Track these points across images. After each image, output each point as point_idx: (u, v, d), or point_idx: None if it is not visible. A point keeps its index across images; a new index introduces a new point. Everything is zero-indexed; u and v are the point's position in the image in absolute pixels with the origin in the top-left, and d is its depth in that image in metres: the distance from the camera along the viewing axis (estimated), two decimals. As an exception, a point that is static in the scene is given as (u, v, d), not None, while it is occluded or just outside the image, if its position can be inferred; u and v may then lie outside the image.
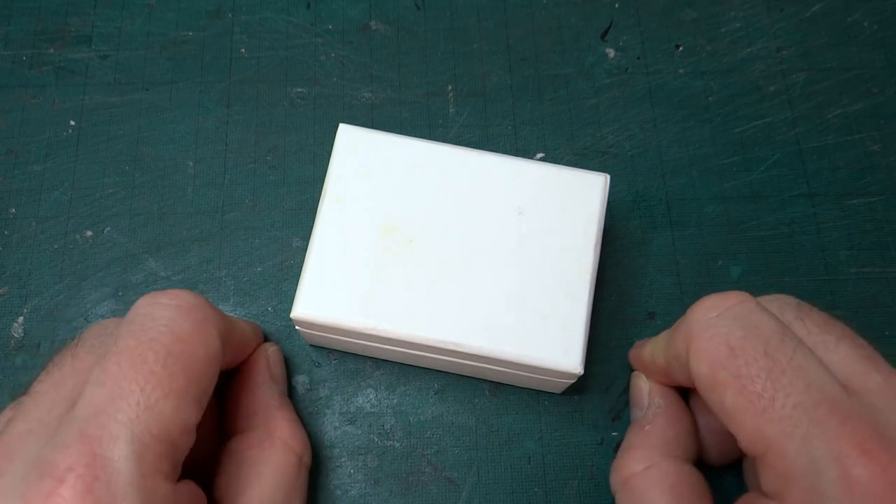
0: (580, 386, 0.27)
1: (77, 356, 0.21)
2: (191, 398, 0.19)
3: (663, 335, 0.23)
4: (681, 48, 0.33)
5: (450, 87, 0.32)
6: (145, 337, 0.19)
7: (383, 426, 0.27)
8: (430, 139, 0.27)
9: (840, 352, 0.20)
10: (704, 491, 0.23)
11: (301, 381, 0.27)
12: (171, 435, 0.19)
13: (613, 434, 0.27)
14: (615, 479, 0.24)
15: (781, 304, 0.22)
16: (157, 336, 0.19)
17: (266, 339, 0.28)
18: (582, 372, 0.24)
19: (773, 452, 0.18)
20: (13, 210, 0.30)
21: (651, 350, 0.24)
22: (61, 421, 0.19)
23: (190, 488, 0.20)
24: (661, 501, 0.22)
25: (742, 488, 0.24)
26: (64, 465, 0.17)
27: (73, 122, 0.31)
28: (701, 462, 0.25)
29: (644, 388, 0.25)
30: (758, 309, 0.20)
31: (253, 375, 0.25)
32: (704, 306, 0.21)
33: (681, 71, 0.32)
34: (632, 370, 0.27)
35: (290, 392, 0.27)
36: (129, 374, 0.19)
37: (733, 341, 0.19)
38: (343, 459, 0.26)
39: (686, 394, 0.25)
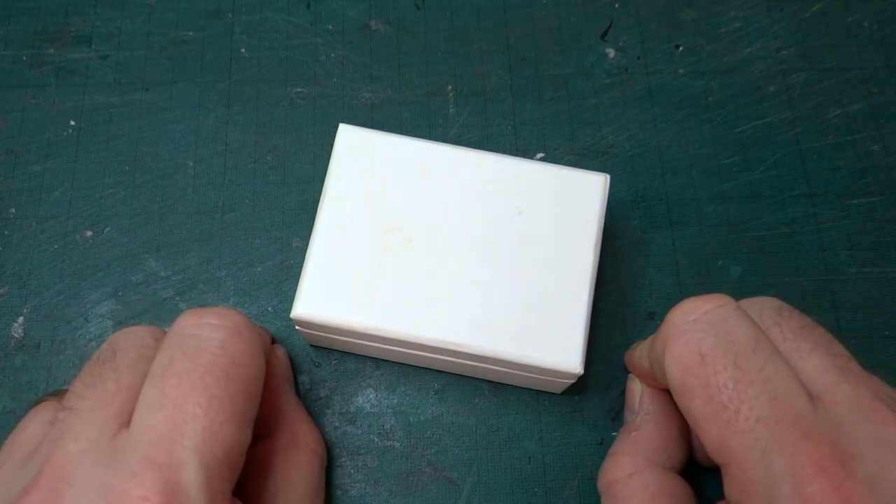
0: (580, 386, 0.27)
1: (119, 370, 0.20)
2: (247, 420, 0.20)
3: (651, 337, 0.23)
4: (681, 48, 0.33)
5: (450, 87, 0.32)
6: (202, 360, 0.19)
7: (383, 426, 0.27)
8: (430, 139, 0.27)
9: (813, 360, 0.20)
10: (686, 500, 0.23)
11: (301, 381, 0.27)
12: (233, 458, 0.19)
13: (613, 434, 0.27)
14: (601, 483, 0.24)
15: (762, 308, 0.22)
16: (214, 359, 0.19)
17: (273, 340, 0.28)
18: (582, 372, 0.24)
19: (735, 464, 0.18)
20: (13, 210, 0.30)
21: (640, 352, 0.24)
22: (118, 443, 0.18)
23: None
24: None
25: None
26: (137, 493, 0.17)
27: (73, 122, 0.31)
28: (693, 464, 0.25)
29: (636, 392, 0.25)
30: (734, 314, 0.20)
31: (272, 380, 0.25)
32: (682, 310, 0.21)
33: (681, 71, 0.32)
34: (628, 374, 0.27)
35: (290, 392, 0.27)
36: (191, 397, 0.18)
37: (705, 348, 0.19)
38: (343, 459, 0.26)
39: None
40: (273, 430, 0.24)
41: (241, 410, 0.19)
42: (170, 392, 0.19)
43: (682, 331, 0.20)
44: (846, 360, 0.20)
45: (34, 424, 0.21)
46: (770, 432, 0.18)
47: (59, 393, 0.23)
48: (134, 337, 0.22)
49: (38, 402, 0.23)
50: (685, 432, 0.24)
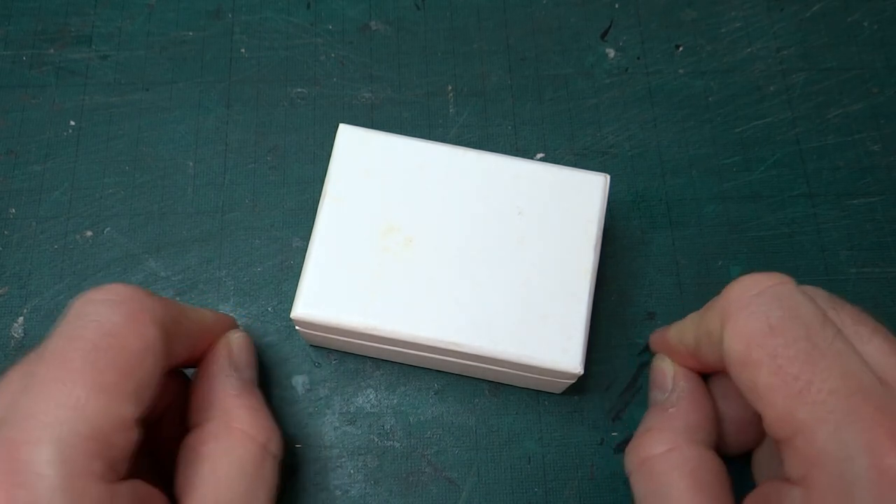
0: (580, 386, 0.27)
1: (16, 365, 0.21)
2: (124, 392, 0.19)
3: (692, 316, 0.23)
4: (681, 48, 0.33)
5: (450, 87, 0.32)
6: (74, 335, 0.19)
7: (383, 426, 0.27)
8: (430, 139, 0.27)
9: (874, 344, 0.20)
10: (725, 479, 0.22)
11: (301, 381, 0.27)
12: (104, 432, 0.18)
13: (613, 434, 0.27)
14: (631, 460, 0.23)
15: (814, 294, 0.22)
16: (83, 333, 0.19)
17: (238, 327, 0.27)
18: (582, 372, 0.24)
19: (803, 436, 0.18)
20: (13, 210, 0.30)
21: (678, 330, 0.24)
22: None
23: (138, 487, 0.19)
24: (680, 485, 0.22)
25: (745, 480, 0.24)
26: None
27: (73, 122, 0.31)
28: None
29: (668, 371, 0.24)
30: (798, 291, 0.20)
31: (209, 365, 0.24)
32: (744, 284, 0.21)
33: (681, 71, 0.32)
34: (654, 356, 0.26)
35: (290, 392, 0.27)
36: (56, 374, 0.18)
37: (773, 320, 0.19)
38: (343, 459, 0.26)
39: (706, 378, 0.25)
40: (208, 417, 0.23)
41: (111, 383, 0.18)
42: (38, 372, 0.18)
43: (746, 303, 0.20)
44: None
45: None
46: (844, 405, 0.18)
47: None
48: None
49: None
50: (717, 415, 0.24)
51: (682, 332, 0.24)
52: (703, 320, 0.22)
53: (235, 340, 0.25)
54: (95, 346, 0.19)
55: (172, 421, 0.24)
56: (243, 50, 0.32)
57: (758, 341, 0.19)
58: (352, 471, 0.26)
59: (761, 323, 0.19)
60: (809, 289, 0.22)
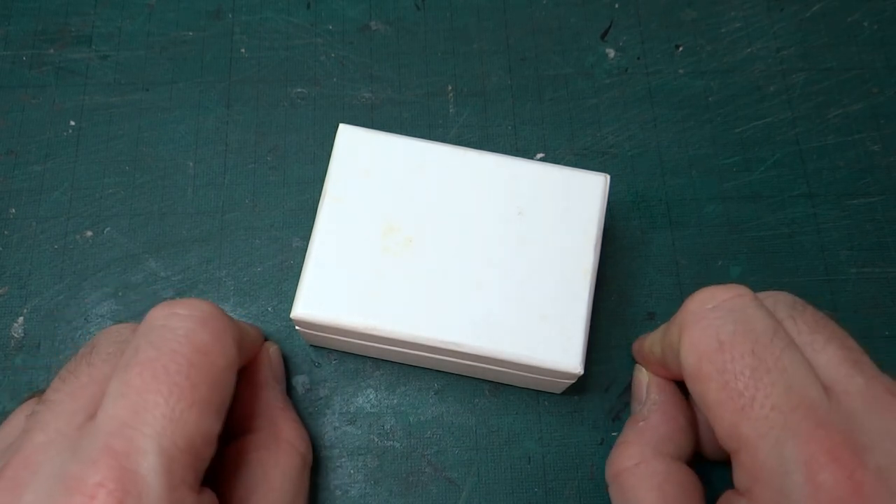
0: (580, 386, 0.27)
1: (93, 364, 0.21)
2: (213, 408, 0.19)
3: (663, 326, 0.24)
4: (681, 48, 0.33)
5: (450, 87, 0.32)
6: (167, 348, 0.19)
7: (383, 426, 0.27)
8: (430, 139, 0.27)
9: (827, 353, 0.20)
10: (694, 490, 0.23)
11: (301, 381, 0.27)
12: (196, 446, 0.19)
13: (613, 434, 0.27)
14: (608, 473, 0.24)
15: (776, 301, 0.22)
16: (177, 347, 0.19)
17: (266, 338, 0.28)
18: (582, 372, 0.24)
19: (746, 450, 0.19)
20: (13, 210, 0.30)
21: (651, 341, 0.24)
22: (82, 432, 0.18)
23: (210, 497, 0.20)
24: (647, 498, 0.22)
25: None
26: (93, 480, 0.17)
27: (73, 122, 0.31)
28: (699, 456, 0.25)
29: (643, 382, 0.25)
30: (753, 304, 0.20)
31: (257, 376, 0.25)
32: (701, 297, 0.21)
33: (681, 71, 0.32)
34: (635, 365, 0.27)
35: (290, 392, 0.27)
36: (152, 385, 0.18)
37: (723, 335, 0.20)
38: (343, 459, 0.26)
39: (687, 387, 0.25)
40: (254, 426, 0.24)
41: (205, 398, 0.19)
42: (132, 381, 0.19)
43: (701, 317, 0.20)
44: (859, 353, 0.20)
45: (15, 420, 0.22)
46: (785, 420, 0.18)
47: (44, 391, 0.24)
48: (114, 333, 0.22)
49: (24, 399, 0.23)
50: (692, 423, 0.24)
51: (653, 343, 0.24)
52: (666, 332, 0.22)
53: (274, 353, 0.26)
54: (191, 361, 0.19)
55: None
56: (243, 50, 0.32)
57: (708, 356, 0.20)
58: (352, 471, 0.26)
59: (712, 338, 0.20)
60: (773, 294, 0.22)
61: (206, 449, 0.19)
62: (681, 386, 0.25)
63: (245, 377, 0.25)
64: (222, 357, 0.20)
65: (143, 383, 0.19)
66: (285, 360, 0.27)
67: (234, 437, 0.24)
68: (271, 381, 0.25)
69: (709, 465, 0.25)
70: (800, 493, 0.17)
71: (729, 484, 0.21)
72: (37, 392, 0.24)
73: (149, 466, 0.17)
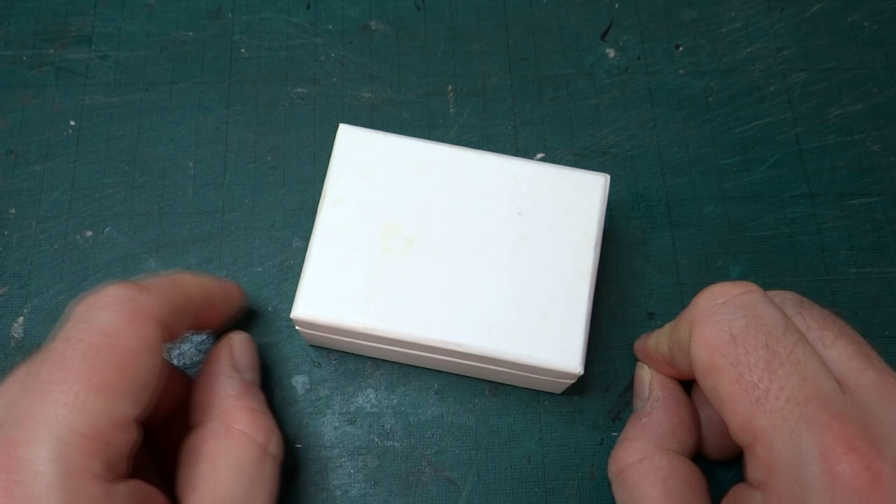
0: (580, 386, 0.27)
1: (17, 368, 0.21)
2: (123, 392, 0.19)
3: (669, 324, 0.24)
4: (681, 48, 0.33)
5: (450, 87, 0.32)
6: (73, 337, 0.19)
7: (383, 426, 0.27)
8: (430, 139, 0.27)
9: (837, 348, 0.20)
10: (698, 484, 0.23)
11: (301, 381, 0.27)
12: (102, 431, 0.18)
13: (613, 434, 0.27)
14: (611, 469, 0.24)
15: (783, 299, 0.22)
16: (82, 335, 0.19)
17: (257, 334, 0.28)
18: (582, 372, 0.24)
19: (761, 443, 0.19)
20: (13, 210, 0.30)
21: (656, 338, 0.24)
22: None
23: (136, 487, 0.19)
24: (651, 493, 0.22)
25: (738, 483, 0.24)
26: None
27: (73, 122, 0.31)
28: (701, 457, 0.25)
29: (646, 379, 0.25)
30: (763, 300, 0.20)
31: (210, 365, 0.24)
32: (711, 293, 0.21)
33: (681, 71, 0.32)
34: (636, 362, 0.27)
35: (290, 392, 0.27)
36: (55, 374, 0.18)
37: (736, 329, 0.20)
38: (343, 459, 0.26)
39: (689, 386, 0.25)
40: (208, 418, 0.23)
41: (111, 382, 0.19)
42: (38, 373, 0.19)
43: (712, 312, 0.20)
44: (868, 349, 0.21)
45: None
46: (800, 412, 0.18)
47: None
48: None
49: None
50: (695, 419, 0.24)
51: (659, 340, 0.24)
52: (674, 329, 0.23)
53: (237, 342, 0.25)
54: (92, 346, 0.19)
55: (179, 424, 0.24)
56: (243, 50, 0.32)
57: (720, 350, 0.20)
58: (352, 471, 0.26)
59: (724, 332, 0.20)
60: (779, 293, 0.23)
61: (119, 434, 0.19)
62: (683, 384, 0.25)
63: (201, 368, 0.25)
64: (134, 339, 0.20)
65: (47, 373, 0.18)
66: (285, 361, 0.27)
67: (187, 430, 0.23)
68: (227, 369, 0.24)
69: (711, 464, 0.25)
70: (817, 484, 0.17)
71: (732, 479, 0.21)
72: None
73: (41, 454, 0.17)
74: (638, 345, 0.27)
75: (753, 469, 0.19)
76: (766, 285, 0.29)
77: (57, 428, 0.18)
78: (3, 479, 0.17)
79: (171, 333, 0.21)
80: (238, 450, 0.22)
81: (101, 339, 0.19)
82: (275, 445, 0.23)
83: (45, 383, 0.18)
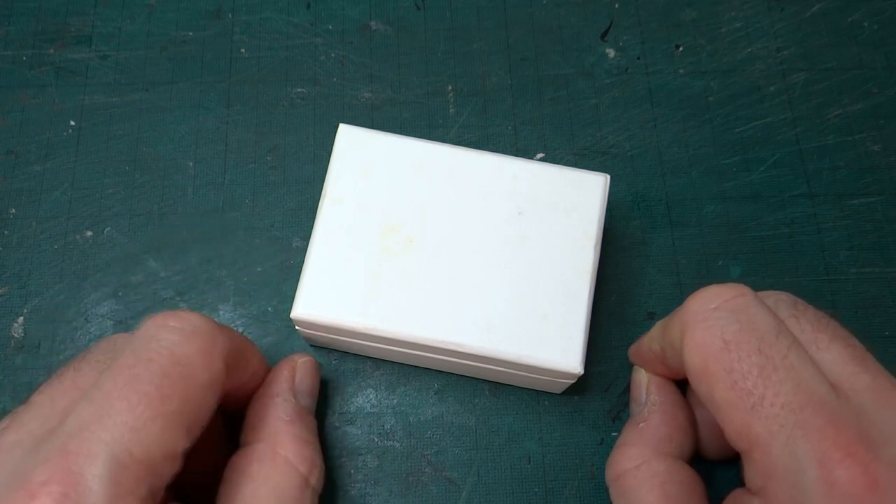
0: (580, 386, 0.27)
1: (79, 370, 0.21)
2: (181, 424, 0.19)
3: (660, 323, 0.24)
4: (681, 48, 0.33)
5: (450, 87, 0.32)
6: (145, 356, 0.19)
7: (383, 426, 0.27)
8: (430, 139, 0.27)
9: (832, 351, 0.20)
10: (696, 489, 0.23)
11: (301, 381, 0.27)
12: (154, 459, 0.18)
13: (613, 434, 0.27)
14: (608, 475, 0.24)
15: (776, 301, 0.22)
16: (155, 357, 0.19)
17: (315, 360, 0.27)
18: (582, 372, 0.24)
19: (758, 449, 0.19)
20: (13, 210, 0.30)
21: (648, 339, 0.24)
22: (49, 434, 0.18)
23: None
24: (649, 499, 0.22)
25: (738, 483, 0.24)
26: (39, 479, 0.17)
27: (73, 122, 0.31)
28: (699, 457, 0.25)
29: (642, 383, 0.25)
30: (755, 303, 0.20)
31: (269, 385, 0.24)
32: (702, 297, 0.21)
33: (681, 71, 0.32)
34: (632, 367, 0.27)
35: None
36: (122, 391, 0.18)
37: (728, 335, 0.19)
38: (343, 459, 0.26)
39: (685, 387, 0.25)
40: (255, 438, 0.23)
41: (174, 412, 0.19)
42: (104, 385, 0.18)
43: (703, 317, 0.20)
44: (863, 351, 0.20)
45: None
46: (795, 418, 0.18)
47: None
48: (109, 342, 0.22)
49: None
50: (692, 422, 0.24)
51: (651, 341, 0.24)
52: (666, 330, 0.22)
53: (301, 364, 0.25)
54: (164, 371, 0.19)
55: (202, 453, 0.24)
56: (243, 50, 0.32)
57: (713, 356, 0.20)
58: (352, 471, 0.26)
59: (716, 338, 0.20)
60: (773, 294, 0.22)
61: (166, 465, 0.19)
62: (679, 384, 0.25)
63: (261, 386, 0.24)
64: (204, 372, 0.20)
65: (114, 388, 0.18)
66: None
67: (234, 449, 0.23)
68: (284, 391, 0.24)
69: (710, 464, 0.25)
70: (814, 489, 0.17)
71: (730, 483, 0.21)
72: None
73: (96, 472, 0.17)
74: (632, 349, 0.26)
75: (752, 475, 0.19)
76: (766, 285, 0.29)
77: (115, 448, 0.18)
78: (55, 492, 0.17)
79: (229, 380, 0.21)
80: (280, 477, 0.22)
81: (174, 367, 0.19)
82: (316, 478, 0.23)
83: (111, 398, 0.18)
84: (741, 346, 0.19)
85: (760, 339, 0.19)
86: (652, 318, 0.28)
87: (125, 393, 0.18)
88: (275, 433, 0.23)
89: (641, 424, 0.24)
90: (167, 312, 0.20)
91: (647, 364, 0.25)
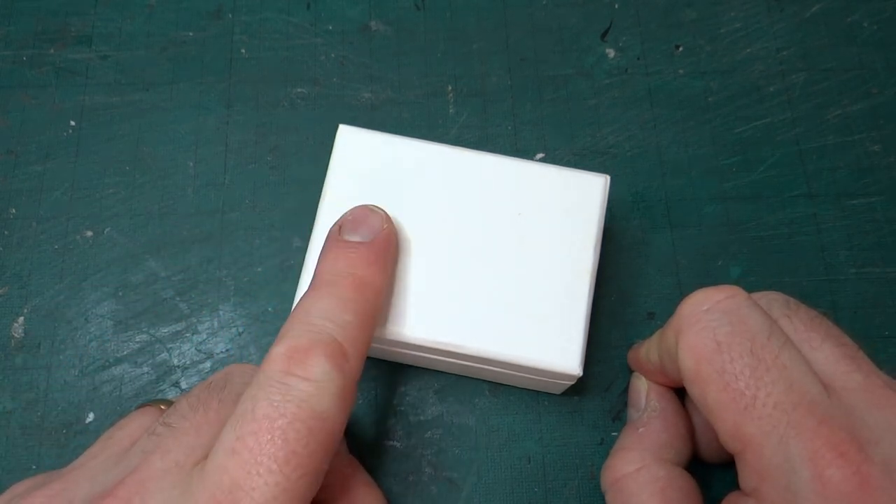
0: (580, 386, 0.27)
1: (223, 402, 0.20)
2: (321, 476, 0.19)
3: (658, 332, 0.24)
4: (681, 48, 0.33)
5: (450, 88, 0.32)
6: (285, 411, 0.18)
7: (383, 426, 0.27)
8: (430, 139, 0.27)
9: (824, 350, 0.20)
10: (695, 495, 0.23)
11: (301, 381, 0.27)
12: None
13: (613, 434, 0.27)
14: (606, 479, 0.24)
15: (769, 301, 0.22)
16: (297, 412, 0.18)
17: None
18: (581, 374, 0.24)
19: (751, 450, 0.19)
20: (13, 210, 0.30)
21: (646, 347, 0.24)
22: (195, 473, 0.18)
23: None
24: (650, 503, 0.22)
25: (734, 486, 0.24)
26: None
27: (73, 122, 0.31)
28: (697, 460, 0.25)
29: (641, 390, 0.25)
30: (747, 304, 0.20)
31: None
32: (695, 300, 0.21)
33: (681, 71, 0.32)
34: (631, 371, 0.27)
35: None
36: (268, 448, 0.18)
37: (720, 336, 0.20)
38: (343, 459, 0.26)
39: (683, 393, 0.25)
40: (330, 497, 0.22)
41: (318, 468, 0.19)
42: (247, 438, 0.18)
43: (696, 320, 0.20)
44: (855, 350, 0.20)
45: (133, 426, 0.21)
46: (788, 418, 0.18)
47: (162, 402, 0.23)
48: (244, 369, 0.22)
49: (141, 405, 0.23)
50: (690, 430, 0.24)
51: (649, 349, 0.24)
52: (662, 338, 0.22)
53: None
54: (310, 430, 0.19)
55: None
56: (243, 50, 0.32)
57: (706, 358, 0.20)
58: (352, 471, 0.26)
59: (709, 339, 0.20)
60: (766, 295, 0.22)
61: None
62: (678, 393, 0.25)
63: None
64: (339, 425, 0.19)
65: (259, 445, 0.18)
66: None
67: None
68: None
69: (707, 468, 0.25)
70: (807, 489, 0.17)
71: (727, 486, 0.21)
72: (156, 401, 0.24)
73: None
74: (631, 355, 0.26)
75: (745, 476, 0.19)
76: (766, 285, 0.29)
77: None
78: None
79: None
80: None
81: (318, 423, 0.19)
82: None
83: (260, 455, 0.18)
84: (733, 347, 0.19)
85: (752, 339, 0.19)
86: (652, 318, 0.28)
87: (273, 451, 0.18)
88: (348, 488, 0.23)
89: (641, 429, 0.24)
90: (292, 359, 0.19)
91: (646, 374, 0.25)
